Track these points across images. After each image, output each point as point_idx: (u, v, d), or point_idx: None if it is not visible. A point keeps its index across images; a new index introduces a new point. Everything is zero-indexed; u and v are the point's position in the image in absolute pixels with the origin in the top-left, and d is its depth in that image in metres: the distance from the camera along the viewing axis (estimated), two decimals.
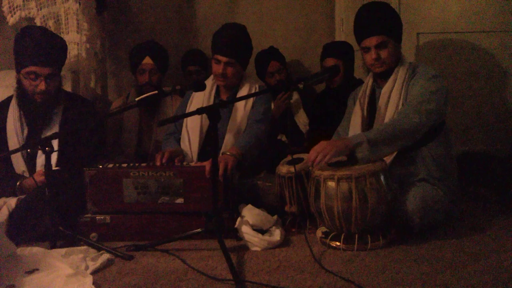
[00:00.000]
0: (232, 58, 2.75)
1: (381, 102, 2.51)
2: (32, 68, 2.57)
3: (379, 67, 2.51)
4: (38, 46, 2.57)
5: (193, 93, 2.89)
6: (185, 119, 2.86)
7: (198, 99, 2.86)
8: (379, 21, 2.48)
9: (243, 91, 2.83)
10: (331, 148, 2.20)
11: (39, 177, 2.44)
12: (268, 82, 3.53)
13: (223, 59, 2.75)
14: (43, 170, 2.32)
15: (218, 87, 2.88)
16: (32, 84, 2.59)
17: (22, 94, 2.66)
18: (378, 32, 2.46)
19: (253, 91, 2.82)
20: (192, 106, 2.85)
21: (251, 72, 3.60)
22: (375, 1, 2.61)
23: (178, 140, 2.87)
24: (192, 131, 2.82)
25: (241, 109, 2.79)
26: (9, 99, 2.76)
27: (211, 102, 2.83)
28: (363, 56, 2.56)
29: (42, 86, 2.58)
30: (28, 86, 2.61)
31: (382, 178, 2.18)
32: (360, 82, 3.08)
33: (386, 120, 2.46)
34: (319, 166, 2.26)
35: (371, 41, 2.48)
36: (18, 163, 2.63)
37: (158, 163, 2.55)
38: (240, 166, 2.53)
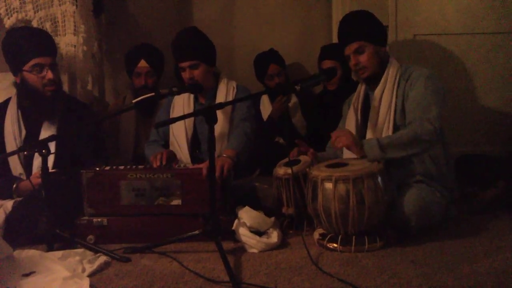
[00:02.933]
0: (193, 60, 2.73)
1: (374, 104, 2.54)
2: (36, 60, 2.59)
3: (362, 73, 2.56)
4: (33, 39, 2.60)
5: (174, 100, 2.91)
6: (170, 127, 2.86)
7: (179, 106, 2.87)
8: (354, 28, 2.54)
9: (221, 91, 2.84)
10: (350, 137, 2.29)
11: (35, 179, 2.43)
12: (267, 84, 3.53)
13: (185, 64, 2.74)
14: (40, 172, 2.31)
15: None
16: (40, 77, 2.60)
17: (27, 92, 2.64)
18: (354, 38, 2.52)
19: (231, 91, 2.84)
20: (174, 113, 2.86)
21: (249, 73, 3.61)
22: (353, 11, 2.68)
23: (162, 147, 2.87)
24: (178, 137, 2.84)
25: (222, 110, 2.75)
26: (6, 102, 2.76)
27: (192, 108, 2.85)
28: (350, 66, 2.61)
29: (49, 75, 2.60)
30: (36, 80, 2.60)
31: (379, 179, 2.18)
32: (358, 84, 3.09)
33: (380, 121, 2.48)
34: (317, 167, 2.27)
35: (350, 49, 2.54)
36: (16, 165, 2.62)
37: (156, 164, 2.55)
38: (235, 166, 2.53)
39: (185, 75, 2.76)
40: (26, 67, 2.59)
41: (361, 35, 2.52)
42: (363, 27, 2.54)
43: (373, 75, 2.55)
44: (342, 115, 2.82)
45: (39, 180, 2.35)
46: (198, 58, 2.75)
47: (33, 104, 2.65)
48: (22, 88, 2.65)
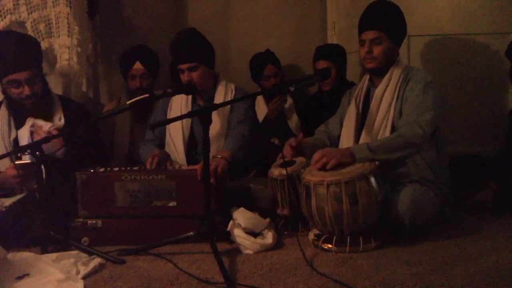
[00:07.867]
0: (192, 62, 2.73)
1: (374, 101, 2.55)
2: (11, 77, 2.56)
3: (369, 62, 2.56)
4: (9, 53, 2.53)
5: (171, 101, 2.91)
6: (167, 127, 2.86)
7: (176, 107, 2.87)
8: (380, 18, 2.54)
9: (219, 93, 2.84)
10: (336, 154, 2.24)
11: (11, 171, 2.42)
12: (263, 85, 3.52)
13: (184, 66, 2.74)
14: (14, 164, 2.32)
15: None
16: (17, 92, 2.58)
17: (10, 101, 2.65)
18: (376, 27, 2.52)
19: (229, 93, 2.84)
20: (171, 114, 2.86)
21: (244, 75, 3.61)
22: (388, 1, 2.64)
23: (157, 147, 2.87)
24: (175, 138, 2.83)
25: (219, 112, 2.77)
26: (0, 103, 2.75)
27: (189, 109, 2.84)
28: (359, 50, 2.60)
29: (26, 91, 2.57)
30: (14, 94, 2.60)
31: (372, 180, 2.18)
32: (352, 84, 3.09)
33: (378, 120, 2.49)
34: (309, 171, 2.27)
35: (368, 35, 2.53)
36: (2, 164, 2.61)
37: (148, 166, 2.55)
38: (230, 168, 2.53)
39: (184, 77, 2.75)
40: (3, 81, 2.58)
41: (385, 27, 2.52)
42: (391, 21, 2.55)
43: (378, 69, 2.56)
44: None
45: (14, 172, 2.35)
46: (198, 60, 2.74)
47: (17, 112, 2.65)
48: (5, 96, 2.66)
